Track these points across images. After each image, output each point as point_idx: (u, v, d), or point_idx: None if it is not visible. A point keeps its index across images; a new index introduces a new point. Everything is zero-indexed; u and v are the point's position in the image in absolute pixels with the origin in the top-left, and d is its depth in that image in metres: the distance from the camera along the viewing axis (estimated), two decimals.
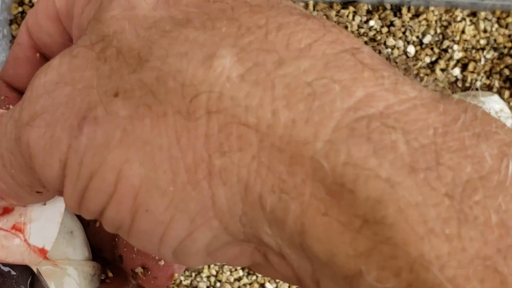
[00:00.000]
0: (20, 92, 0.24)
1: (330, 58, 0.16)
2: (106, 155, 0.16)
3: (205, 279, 0.54)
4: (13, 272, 0.26)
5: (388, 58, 0.54)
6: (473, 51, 0.56)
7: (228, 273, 0.54)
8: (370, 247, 0.13)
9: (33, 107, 0.18)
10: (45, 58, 0.23)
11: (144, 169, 0.16)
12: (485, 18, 0.56)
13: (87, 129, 0.16)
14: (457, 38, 0.55)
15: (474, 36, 0.56)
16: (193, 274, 0.54)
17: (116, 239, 0.28)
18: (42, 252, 0.25)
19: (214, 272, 0.54)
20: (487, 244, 0.13)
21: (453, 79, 0.56)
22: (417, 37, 0.55)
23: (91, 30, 0.18)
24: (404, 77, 0.16)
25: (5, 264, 0.26)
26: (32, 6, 0.55)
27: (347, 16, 0.54)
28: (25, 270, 0.27)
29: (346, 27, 0.54)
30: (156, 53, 0.16)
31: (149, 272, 0.28)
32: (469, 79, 0.56)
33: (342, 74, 0.15)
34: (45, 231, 0.24)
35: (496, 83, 0.56)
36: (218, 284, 0.54)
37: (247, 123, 0.15)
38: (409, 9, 0.55)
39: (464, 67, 0.56)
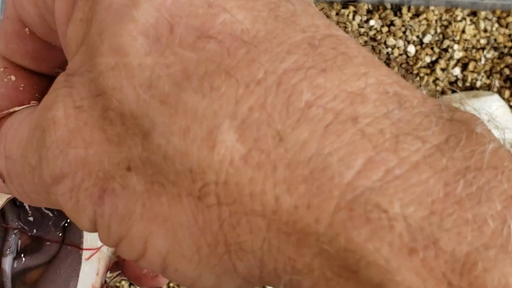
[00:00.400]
0: (16, 64, 0.24)
1: (330, 119, 0.16)
2: (130, 226, 0.18)
3: None
4: (51, 214, 0.31)
5: (388, 58, 0.54)
6: (473, 50, 0.56)
7: None
8: None
9: (53, 169, 0.19)
10: (33, 33, 0.23)
11: (168, 242, 0.18)
12: (485, 18, 0.56)
13: (108, 201, 0.18)
14: (457, 38, 0.55)
15: (474, 35, 0.56)
16: None
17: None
18: None
19: None
20: None
21: (453, 78, 0.56)
22: (417, 36, 0.55)
23: (84, 75, 0.19)
24: (406, 111, 0.16)
25: (46, 208, 0.30)
26: None
27: (347, 15, 0.54)
28: (62, 215, 0.31)
29: (346, 27, 0.54)
30: (159, 128, 0.17)
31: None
32: (469, 79, 0.56)
33: (342, 139, 0.15)
34: None
35: (496, 83, 0.56)
36: None
37: (254, 211, 0.16)
38: (409, 9, 0.55)
39: (464, 67, 0.56)
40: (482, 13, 0.55)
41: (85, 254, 0.32)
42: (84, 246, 0.31)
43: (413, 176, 0.15)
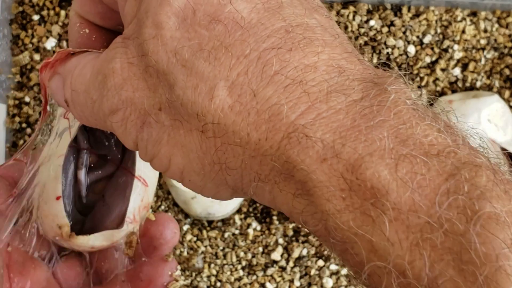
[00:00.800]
0: (89, 21, 0.32)
1: (287, 82, 0.23)
2: (160, 148, 0.26)
3: (205, 279, 0.54)
4: (113, 139, 0.40)
5: (388, 58, 0.54)
6: (474, 51, 0.56)
7: (229, 273, 0.54)
8: (304, 203, 0.23)
9: (111, 104, 0.27)
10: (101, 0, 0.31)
11: (184, 160, 0.26)
12: (485, 18, 0.56)
13: (146, 130, 0.26)
14: (457, 38, 0.55)
15: (475, 36, 0.56)
16: (193, 274, 0.54)
17: None
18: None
19: (214, 272, 0.54)
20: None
21: (453, 79, 0.56)
22: (418, 37, 0.55)
23: (135, 39, 0.26)
24: (342, 77, 0.23)
25: (110, 132, 0.37)
26: (32, 6, 0.55)
27: (348, 16, 0.54)
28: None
29: (346, 27, 0.54)
30: (179, 83, 0.24)
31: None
32: (469, 79, 0.56)
33: (293, 95, 0.23)
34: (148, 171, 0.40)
35: (496, 83, 0.56)
36: (218, 284, 0.54)
37: (235, 142, 0.24)
38: (409, 9, 0.55)
39: (464, 67, 0.56)
40: (482, 14, 0.55)
41: (135, 180, 0.41)
42: (136, 174, 0.40)
43: (333, 116, 0.22)
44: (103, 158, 0.42)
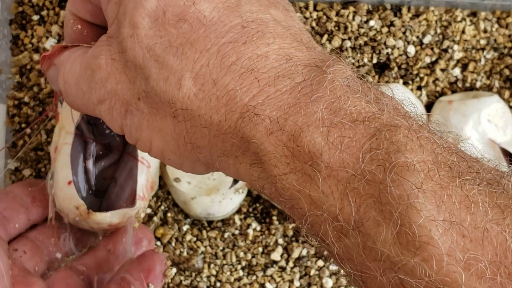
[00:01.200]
0: (81, 18, 0.36)
1: (242, 71, 0.27)
2: (142, 133, 0.30)
3: (205, 279, 0.54)
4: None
5: (388, 59, 0.54)
6: (473, 51, 0.56)
7: (228, 273, 0.54)
8: (258, 170, 0.27)
9: (98, 95, 0.31)
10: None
11: (162, 142, 0.30)
12: (485, 18, 0.56)
13: (129, 117, 0.30)
14: (457, 38, 0.55)
15: (474, 36, 0.55)
16: (193, 274, 0.54)
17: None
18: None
19: (214, 272, 0.54)
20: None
21: (453, 79, 0.56)
22: (417, 37, 0.55)
23: (116, 38, 0.30)
24: (290, 63, 0.27)
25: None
26: (32, 6, 0.55)
27: (347, 16, 0.54)
28: None
29: (346, 27, 0.54)
30: (153, 76, 0.28)
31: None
32: (469, 79, 0.56)
33: (247, 81, 0.26)
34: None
35: (496, 83, 0.56)
36: (218, 284, 0.54)
37: (201, 124, 0.28)
38: (409, 9, 0.55)
39: (464, 67, 0.56)
40: (482, 14, 0.55)
41: (139, 163, 0.46)
42: (139, 157, 0.45)
43: (279, 97, 0.26)
44: (108, 146, 0.47)
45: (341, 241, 0.24)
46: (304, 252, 0.54)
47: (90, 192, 0.47)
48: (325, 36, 0.54)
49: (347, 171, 0.24)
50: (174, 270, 0.53)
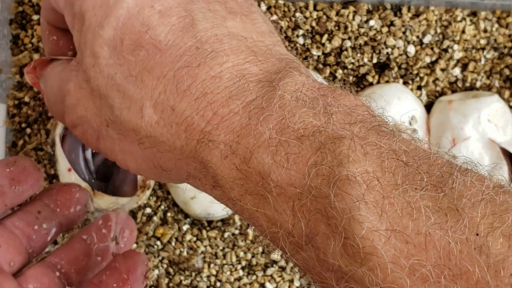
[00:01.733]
0: (56, 27, 0.36)
1: (196, 95, 0.27)
2: (116, 155, 0.31)
3: (205, 279, 0.54)
4: None
5: (388, 58, 0.54)
6: (473, 51, 0.56)
7: (228, 273, 0.54)
8: (219, 192, 0.28)
9: (70, 120, 0.32)
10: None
11: (136, 164, 0.31)
12: (485, 18, 0.56)
13: (102, 142, 0.31)
14: (457, 38, 0.55)
15: (474, 36, 0.55)
16: (193, 274, 0.54)
17: None
18: None
19: (214, 272, 0.54)
20: None
21: (453, 79, 0.56)
22: (417, 37, 0.55)
23: (81, 66, 0.30)
24: (242, 81, 0.27)
25: None
26: (32, 6, 0.55)
27: (347, 16, 0.54)
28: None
29: (346, 27, 0.54)
30: (116, 105, 0.29)
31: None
32: (469, 79, 0.56)
33: (202, 105, 0.27)
34: None
35: (496, 83, 0.56)
36: (218, 284, 0.54)
37: (166, 149, 0.28)
38: (409, 9, 0.55)
39: (464, 67, 0.56)
40: (482, 14, 0.55)
41: None
42: None
43: (232, 118, 0.26)
44: None
45: (298, 254, 0.25)
46: None
47: (93, 180, 0.49)
48: (325, 36, 0.54)
49: (295, 188, 0.24)
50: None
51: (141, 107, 0.28)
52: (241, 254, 0.54)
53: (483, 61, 0.56)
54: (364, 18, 0.54)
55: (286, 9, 0.54)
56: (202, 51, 0.28)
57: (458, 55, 0.55)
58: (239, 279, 0.54)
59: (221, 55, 0.28)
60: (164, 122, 0.28)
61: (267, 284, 0.54)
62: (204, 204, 0.52)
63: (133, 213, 0.53)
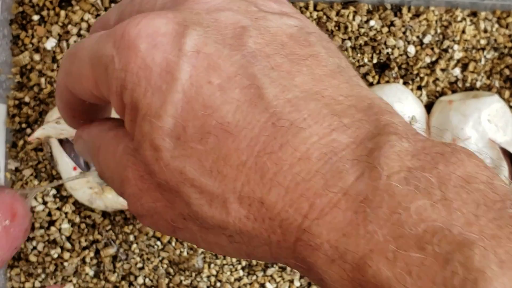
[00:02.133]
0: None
1: (286, 184, 0.24)
2: (199, 244, 0.28)
3: (205, 279, 0.54)
4: None
5: (388, 59, 0.55)
6: (474, 51, 0.56)
7: (228, 273, 0.54)
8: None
9: (135, 209, 0.28)
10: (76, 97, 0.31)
11: (223, 251, 0.28)
12: (486, 18, 0.56)
13: (179, 232, 0.28)
14: (457, 38, 0.55)
15: (475, 36, 0.56)
16: (193, 274, 0.54)
17: None
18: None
19: (214, 272, 0.54)
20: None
21: (453, 79, 0.56)
22: (418, 37, 0.55)
23: (139, 157, 0.27)
24: (336, 157, 0.23)
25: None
26: (32, 6, 0.55)
27: (348, 16, 0.54)
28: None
29: (346, 27, 0.54)
30: (194, 202, 0.26)
31: None
32: (469, 79, 0.56)
33: (294, 195, 0.24)
34: None
35: (496, 83, 0.56)
36: (218, 284, 0.54)
37: (261, 243, 0.26)
38: (409, 9, 0.55)
39: (464, 67, 0.56)
40: (482, 14, 0.55)
41: None
42: None
43: (333, 212, 0.23)
44: None
45: None
46: None
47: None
48: None
49: None
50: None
51: (224, 202, 0.25)
52: None
53: (483, 61, 0.56)
54: (364, 18, 0.54)
55: None
56: (280, 128, 0.24)
57: (458, 55, 0.55)
58: (239, 279, 0.54)
59: (303, 129, 0.24)
60: (254, 216, 0.25)
61: (267, 284, 0.54)
62: None
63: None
